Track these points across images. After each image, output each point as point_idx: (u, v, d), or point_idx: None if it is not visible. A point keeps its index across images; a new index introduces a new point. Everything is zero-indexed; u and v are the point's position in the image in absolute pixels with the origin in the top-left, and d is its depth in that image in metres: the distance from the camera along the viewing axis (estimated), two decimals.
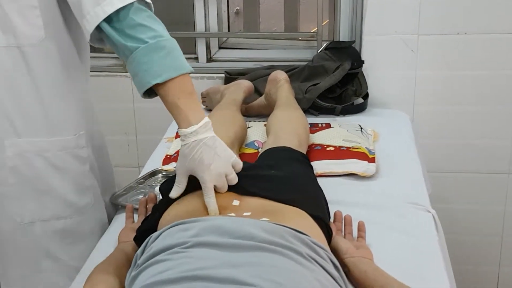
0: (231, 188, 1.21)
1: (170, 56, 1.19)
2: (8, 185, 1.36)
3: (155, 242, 1.01)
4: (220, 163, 1.19)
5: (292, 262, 0.94)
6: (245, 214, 1.14)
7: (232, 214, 1.14)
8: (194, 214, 1.15)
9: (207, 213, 1.16)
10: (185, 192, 1.23)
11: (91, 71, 2.27)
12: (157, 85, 1.18)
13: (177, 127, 1.23)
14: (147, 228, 1.21)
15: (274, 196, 1.19)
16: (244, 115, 2.05)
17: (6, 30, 1.29)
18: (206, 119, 1.22)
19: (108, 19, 1.20)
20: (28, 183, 1.37)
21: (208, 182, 1.17)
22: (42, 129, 1.37)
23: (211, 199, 1.16)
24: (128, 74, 2.26)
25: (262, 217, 1.12)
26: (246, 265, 0.90)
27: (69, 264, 1.41)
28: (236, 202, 1.18)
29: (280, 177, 1.27)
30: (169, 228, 1.04)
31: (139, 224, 1.32)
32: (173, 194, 1.22)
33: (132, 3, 1.20)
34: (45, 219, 1.39)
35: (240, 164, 1.23)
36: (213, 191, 1.17)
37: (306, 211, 1.19)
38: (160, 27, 1.23)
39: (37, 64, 1.32)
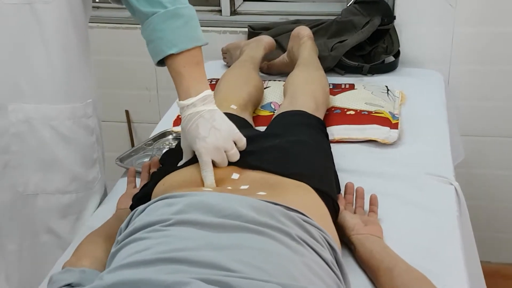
0: (232, 162, 1.14)
1: (187, 26, 1.14)
2: (10, 153, 1.26)
3: (139, 217, 0.95)
4: (217, 137, 1.11)
5: (280, 245, 0.86)
6: (242, 187, 1.07)
7: (229, 187, 1.07)
8: (190, 184, 1.09)
9: (202, 184, 1.10)
10: (190, 162, 1.17)
11: (111, 23, 2.23)
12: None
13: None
14: (142, 196, 1.15)
15: (276, 169, 1.11)
16: (265, 73, 1.96)
17: None
18: (207, 92, 1.15)
19: None
20: (33, 152, 1.28)
21: (203, 155, 1.10)
22: (49, 94, 1.26)
23: (208, 173, 1.10)
24: None
25: (260, 190, 1.05)
26: (228, 247, 0.83)
27: (70, 242, 1.35)
28: (235, 176, 1.11)
29: (285, 149, 1.19)
30: (155, 202, 0.98)
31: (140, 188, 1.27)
32: (180, 164, 1.18)
33: None
34: (49, 192, 1.31)
35: (243, 141, 1.15)
36: (211, 165, 1.11)
37: (310, 185, 1.11)
38: None
39: (49, 24, 1.21)
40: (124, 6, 1.21)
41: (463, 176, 2.15)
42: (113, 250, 0.92)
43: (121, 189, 1.38)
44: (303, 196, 1.08)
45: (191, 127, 1.12)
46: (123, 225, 0.98)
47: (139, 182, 1.36)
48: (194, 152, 1.15)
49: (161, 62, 1.17)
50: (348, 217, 1.16)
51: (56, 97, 1.28)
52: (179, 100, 1.16)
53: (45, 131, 1.28)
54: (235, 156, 1.13)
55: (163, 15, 1.13)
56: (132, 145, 2.40)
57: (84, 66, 1.33)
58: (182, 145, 1.18)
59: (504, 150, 2.21)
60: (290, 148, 1.20)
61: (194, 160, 1.15)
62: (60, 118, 1.29)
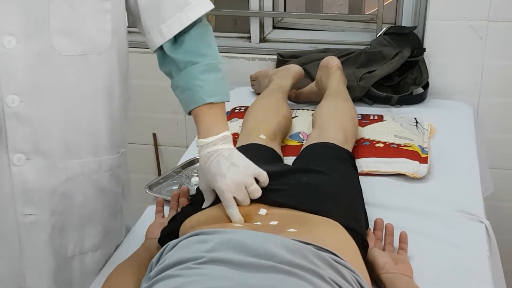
0: (257, 199, 1.14)
1: (223, 80, 1.21)
2: (56, 214, 1.20)
3: (170, 253, 0.95)
4: (237, 173, 1.12)
5: (312, 287, 0.86)
6: (271, 223, 1.07)
7: (258, 223, 1.07)
8: (216, 220, 1.09)
9: (229, 220, 1.10)
10: (213, 203, 1.18)
11: (140, 47, 2.26)
12: None
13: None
14: (169, 232, 1.16)
15: (304, 207, 1.11)
16: (293, 101, 1.97)
17: (73, 36, 1.13)
18: (227, 133, 1.18)
19: None
20: (74, 210, 1.22)
21: (225, 192, 1.11)
22: (93, 147, 1.21)
23: (233, 210, 1.10)
24: None
25: (290, 227, 1.04)
26: None
27: None
28: (262, 211, 1.11)
29: (313, 186, 1.18)
30: (186, 238, 0.98)
31: (169, 219, 1.27)
32: (203, 206, 1.19)
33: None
34: (84, 252, 1.26)
35: (263, 175, 1.16)
36: (234, 201, 1.11)
37: (339, 222, 1.11)
38: (216, 46, 1.23)
39: (99, 76, 1.18)
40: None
41: (490, 209, 2.13)
42: (145, 285, 0.92)
43: (150, 217, 1.38)
44: (333, 233, 1.07)
45: (211, 164, 1.13)
46: (154, 260, 0.99)
47: (167, 210, 1.37)
48: (214, 192, 1.16)
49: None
50: (378, 255, 1.15)
51: (99, 150, 1.23)
52: (199, 138, 1.17)
53: (88, 187, 1.23)
54: (257, 192, 1.13)
55: (207, 66, 1.17)
56: (159, 168, 2.41)
57: (124, 116, 1.30)
58: (201, 186, 1.18)
59: None
60: (318, 184, 1.20)
61: (217, 201, 1.16)
62: (102, 170, 1.25)
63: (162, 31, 1.18)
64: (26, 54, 1.09)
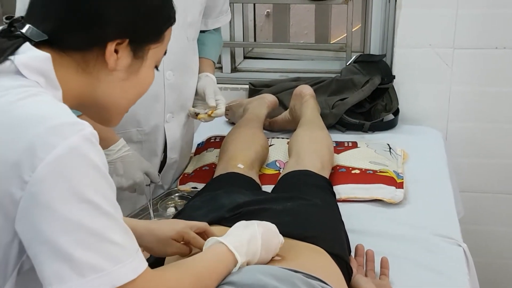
0: None
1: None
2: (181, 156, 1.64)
3: None
4: None
5: None
6: None
7: None
8: None
9: None
10: None
11: None
12: None
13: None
14: (154, 261, 1.14)
15: (290, 233, 1.11)
16: (267, 130, 1.98)
17: (192, 27, 1.56)
18: None
19: None
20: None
21: None
22: None
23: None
24: None
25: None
26: None
27: None
28: None
29: (298, 212, 1.19)
30: None
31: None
32: None
33: None
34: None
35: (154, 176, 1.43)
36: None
37: (324, 248, 1.11)
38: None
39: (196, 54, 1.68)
40: None
41: (462, 233, 2.16)
42: None
43: None
44: (319, 260, 1.07)
45: None
46: None
47: None
48: None
49: None
50: (362, 281, 1.16)
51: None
52: None
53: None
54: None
55: None
56: None
57: None
58: None
59: (501, 206, 2.23)
60: (303, 211, 1.21)
61: None
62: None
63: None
64: (177, 40, 1.37)
